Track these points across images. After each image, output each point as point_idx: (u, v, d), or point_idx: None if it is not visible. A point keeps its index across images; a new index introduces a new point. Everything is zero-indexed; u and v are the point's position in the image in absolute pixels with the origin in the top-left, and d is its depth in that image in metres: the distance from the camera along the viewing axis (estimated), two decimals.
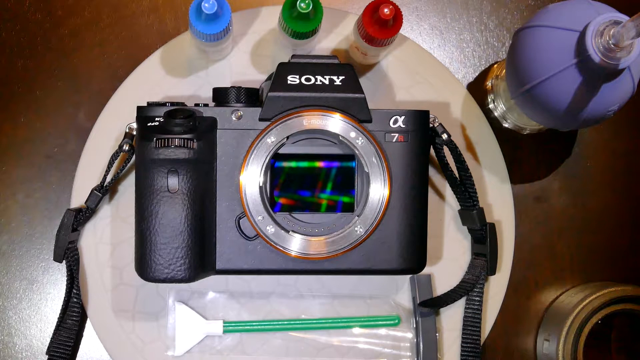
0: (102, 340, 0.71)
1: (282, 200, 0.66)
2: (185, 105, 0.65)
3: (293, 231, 0.64)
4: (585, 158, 0.77)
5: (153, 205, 0.63)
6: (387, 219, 0.65)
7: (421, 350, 0.71)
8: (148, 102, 0.65)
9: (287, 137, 0.64)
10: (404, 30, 0.76)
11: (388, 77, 0.74)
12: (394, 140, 0.65)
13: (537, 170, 0.76)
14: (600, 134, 0.77)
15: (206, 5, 0.63)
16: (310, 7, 0.64)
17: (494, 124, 0.75)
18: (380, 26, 0.66)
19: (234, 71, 0.73)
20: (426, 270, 0.69)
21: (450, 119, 0.74)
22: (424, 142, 0.66)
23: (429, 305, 0.71)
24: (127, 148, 0.66)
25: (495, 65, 0.76)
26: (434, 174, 0.73)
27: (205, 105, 0.65)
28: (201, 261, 0.64)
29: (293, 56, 0.65)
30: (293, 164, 0.66)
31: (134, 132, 0.65)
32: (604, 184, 0.76)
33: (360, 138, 0.64)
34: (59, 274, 0.73)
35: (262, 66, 0.73)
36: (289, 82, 0.64)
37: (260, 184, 0.64)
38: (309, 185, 0.66)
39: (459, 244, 0.73)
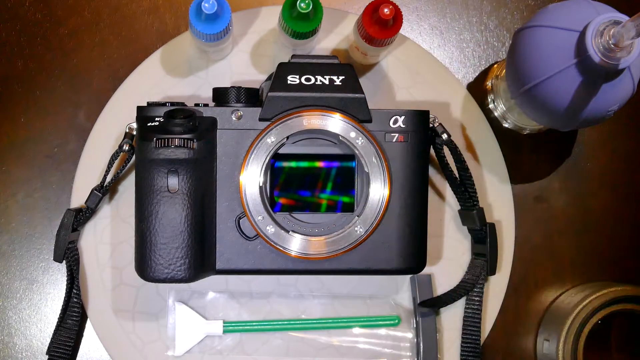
0: (102, 340, 0.71)
1: (282, 200, 0.66)
2: (185, 105, 0.65)
3: (293, 231, 0.64)
4: (585, 158, 0.77)
5: (153, 205, 0.63)
6: (387, 219, 0.65)
7: (421, 350, 0.71)
8: (148, 102, 0.65)
9: (287, 137, 0.64)
10: (404, 30, 0.76)
11: (388, 77, 0.74)
12: (394, 140, 0.65)
13: (537, 170, 0.76)
14: (600, 134, 0.77)
15: (206, 5, 0.63)
16: (310, 7, 0.64)
17: (494, 124, 0.75)
18: (380, 26, 0.66)
19: (234, 71, 0.73)
20: (426, 270, 0.69)
21: (450, 119, 0.74)
22: (424, 142, 0.66)
23: (429, 305, 0.71)
24: (127, 148, 0.66)
25: (495, 65, 0.76)
26: (434, 174, 0.73)
27: (205, 105, 0.65)
28: (201, 261, 0.64)
29: (293, 56, 0.65)
30: (293, 164, 0.66)
31: (134, 132, 0.65)
32: (604, 184, 0.76)
33: (360, 138, 0.64)
34: (59, 274, 0.73)
35: (262, 66, 0.73)
36: (289, 82, 0.64)
37: (260, 184, 0.64)
38: (309, 185, 0.66)
39: (459, 244, 0.73)
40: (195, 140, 0.63)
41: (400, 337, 0.72)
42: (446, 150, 0.69)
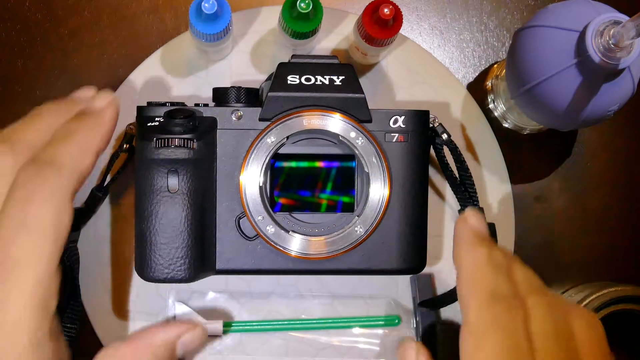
0: (102, 340, 0.71)
1: (282, 200, 0.66)
2: (185, 105, 0.65)
3: (293, 231, 0.64)
4: (585, 158, 0.77)
5: (153, 205, 0.63)
6: (387, 219, 0.65)
7: None
8: (148, 102, 0.65)
9: (287, 137, 0.64)
10: (404, 30, 0.76)
11: (388, 77, 0.74)
12: (394, 140, 0.65)
13: (537, 170, 0.76)
14: (600, 134, 0.77)
15: (206, 5, 0.63)
16: (310, 7, 0.64)
17: (494, 124, 0.75)
18: (380, 26, 0.66)
19: (234, 71, 0.73)
20: (426, 270, 0.69)
21: (450, 119, 0.74)
22: (424, 142, 0.66)
23: (429, 305, 0.71)
24: (127, 148, 0.66)
25: (495, 65, 0.76)
26: (434, 174, 0.73)
27: (205, 105, 0.65)
28: (201, 261, 0.64)
29: (293, 56, 0.65)
30: (293, 164, 0.66)
31: (134, 132, 0.65)
32: (604, 184, 0.76)
33: (360, 138, 0.64)
34: None
35: (262, 66, 0.73)
36: (289, 82, 0.64)
37: (260, 184, 0.64)
38: (309, 185, 0.66)
39: None
40: (195, 140, 0.63)
41: (400, 337, 0.72)
42: (446, 150, 0.69)
